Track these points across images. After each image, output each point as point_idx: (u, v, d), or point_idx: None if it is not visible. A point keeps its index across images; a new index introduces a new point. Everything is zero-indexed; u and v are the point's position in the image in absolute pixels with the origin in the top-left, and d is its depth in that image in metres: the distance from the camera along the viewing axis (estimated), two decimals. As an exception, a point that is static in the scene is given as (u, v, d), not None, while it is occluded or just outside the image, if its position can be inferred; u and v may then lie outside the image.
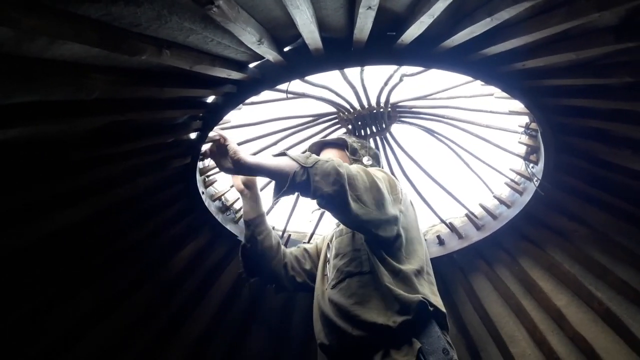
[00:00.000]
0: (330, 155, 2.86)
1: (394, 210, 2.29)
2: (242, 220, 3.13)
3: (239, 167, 2.36)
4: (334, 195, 2.07)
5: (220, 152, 2.53)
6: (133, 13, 1.64)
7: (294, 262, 2.84)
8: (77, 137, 2.28)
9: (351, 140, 2.96)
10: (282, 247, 2.85)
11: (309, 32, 2.07)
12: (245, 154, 2.34)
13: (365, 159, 2.89)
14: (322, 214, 3.72)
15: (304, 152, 2.32)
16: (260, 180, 3.05)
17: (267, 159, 2.27)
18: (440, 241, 3.84)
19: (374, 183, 2.21)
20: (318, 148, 3.07)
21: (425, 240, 3.90)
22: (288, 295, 3.89)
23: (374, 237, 2.23)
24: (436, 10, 1.91)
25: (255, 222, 2.74)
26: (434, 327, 2.03)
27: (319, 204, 2.18)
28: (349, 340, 2.05)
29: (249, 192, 2.80)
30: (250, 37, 1.98)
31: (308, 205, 3.76)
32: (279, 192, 2.17)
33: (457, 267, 3.83)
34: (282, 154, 2.24)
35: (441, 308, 2.13)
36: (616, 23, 1.98)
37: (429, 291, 2.17)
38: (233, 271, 3.64)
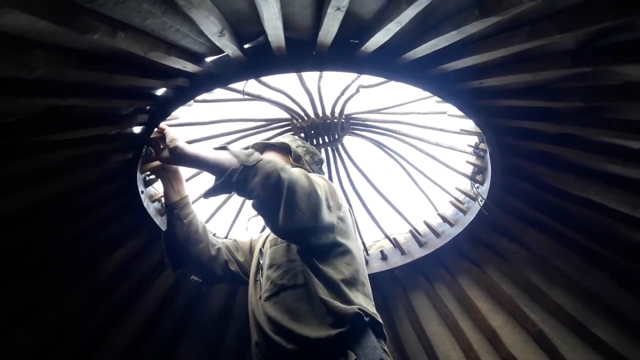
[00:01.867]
0: (271, 159, 2.78)
1: (331, 218, 2.23)
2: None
3: (176, 156, 2.27)
4: (269, 199, 2.01)
5: (160, 142, 2.42)
6: (89, -14, 1.52)
7: (226, 250, 2.72)
8: (12, 120, 2.09)
9: (295, 145, 2.88)
10: (210, 233, 2.71)
11: (274, 28, 2.00)
12: (184, 143, 2.26)
13: (310, 167, 2.83)
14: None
15: (247, 148, 2.22)
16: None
17: (206, 151, 2.17)
18: (383, 256, 3.83)
19: (313, 189, 2.14)
20: (260, 149, 2.95)
21: (368, 254, 3.90)
22: (224, 305, 3.75)
23: (308, 245, 2.18)
24: (404, 17, 1.90)
25: (179, 205, 2.57)
26: (370, 337, 1.98)
27: (253, 206, 2.11)
28: (283, 353, 1.99)
29: (171, 173, 2.63)
30: (211, 27, 1.89)
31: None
32: (213, 189, 2.07)
33: (398, 283, 3.83)
34: (224, 147, 2.14)
35: (377, 318, 2.08)
36: (573, 47, 2.04)
37: (364, 302, 2.12)
38: (168, 277, 3.47)
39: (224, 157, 2.06)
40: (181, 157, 2.24)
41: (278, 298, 2.15)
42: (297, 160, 2.77)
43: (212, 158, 2.09)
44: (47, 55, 1.79)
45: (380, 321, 2.08)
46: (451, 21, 1.98)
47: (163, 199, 2.73)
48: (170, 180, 2.61)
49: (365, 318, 1.98)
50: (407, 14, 1.87)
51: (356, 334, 1.96)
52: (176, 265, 2.62)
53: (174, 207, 2.55)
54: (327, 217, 2.19)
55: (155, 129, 2.59)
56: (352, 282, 2.16)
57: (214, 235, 2.90)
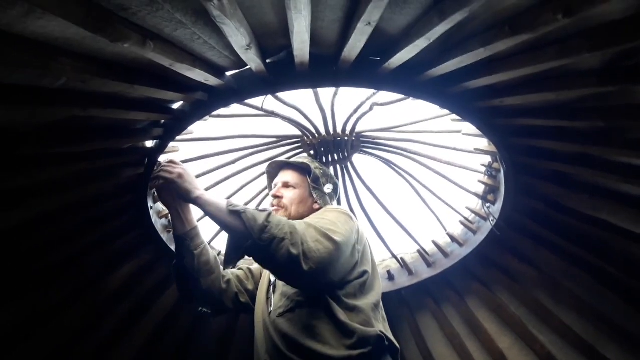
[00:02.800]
0: (288, 178, 2.71)
1: (355, 258, 2.20)
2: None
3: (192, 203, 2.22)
4: (288, 278, 2.07)
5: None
6: (125, -7, 1.51)
7: (237, 281, 2.62)
8: (29, 130, 2.05)
9: (314, 166, 2.80)
10: (219, 261, 2.58)
11: (301, 42, 1.98)
12: (203, 195, 2.17)
13: (325, 188, 2.78)
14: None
15: (261, 210, 2.10)
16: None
17: (220, 211, 2.05)
18: (390, 276, 3.79)
19: (334, 255, 2.02)
20: (277, 167, 2.90)
21: (376, 275, 3.86)
22: (226, 327, 3.68)
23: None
24: (434, 33, 1.89)
25: (190, 236, 2.41)
26: None
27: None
28: None
29: (178, 202, 2.42)
30: (240, 39, 1.87)
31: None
32: (230, 258, 2.08)
33: (405, 304, 3.78)
34: (238, 212, 2.00)
35: (395, 343, 2.07)
36: (598, 66, 2.05)
37: (383, 326, 2.11)
38: (171, 296, 3.39)
39: (237, 226, 1.98)
40: (197, 205, 2.19)
41: (293, 315, 2.08)
42: (315, 182, 2.70)
43: (225, 223, 2.03)
44: (73, 63, 1.76)
45: (398, 346, 2.08)
46: (479, 38, 1.98)
47: (172, 230, 2.58)
48: (178, 209, 2.42)
49: (385, 342, 1.98)
50: (438, 30, 1.87)
51: (376, 357, 1.94)
52: (187, 298, 2.51)
53: (184, 239, 2.40)
54: (352, 262, 2.18)
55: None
56: (374, 305, 2.15)
57: (219, 254, 2.82)
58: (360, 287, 2.18)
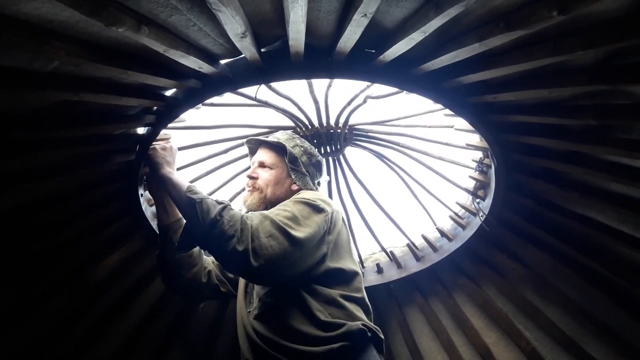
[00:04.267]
0: (265, 158, 2.56)
1: (321, 251, 2.09)
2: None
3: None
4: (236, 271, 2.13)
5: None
6: (121, -23, 1.49)
7: (217, 270, 2.57)
8: (19, 114, 2.03)
9: (292, 144, 2.60)
10: (203, 254, 2.56)
11: (297, 32, 1.97)
12: (168, 172, 2.22)
13: (307, 169, 2.59)
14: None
15: (219, 202, 1.98)
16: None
17: (179, 195, 2.05)
18: (379, 270, 3.80)
19: (289, 250, 1.93)
20: (255, 145, 2.75)
21: (364, 267, 3.88)
22: (215, 315, 3.68)
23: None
24: (430, 27, 1.89)
25: (173, 228, 2.39)
26: (372, 351, 1.95)
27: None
28: None
29: (163, 193, 2.38)
30: (236, 27, 1.85)
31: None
32: (184, 244, 2.06)
33: (393, 297, 3.80)
34: (194, 202, 1.95)
35: (379, 334, 2.04)
36: (592, 65, 2.06)
37: (366, 318, 2.07)
38: (160, 283, 3.37)
39: (191, 215, 1.95)
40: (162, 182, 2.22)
41: (268, 317, 2.04)
42: (293, 162, 2.54)
43: (181, 208, 2.07)
44: (65, 47, 1.74)
45: (382, 337, 2.04)
46: (475, 33, 1.98)
47: (157, 220, 2.52)
48: (163, 199, 2.42)
49: (368, 333, 1.95)
50: (433, 24, 1.86)
51: (359, 349, 1.91)
52: (171, 289, 2.53)
53: (167, 230, 2.40)
54: (317, 255, 2.07)
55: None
56: (351, 297, 2.09)
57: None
58: (338, 279, 2.12)
